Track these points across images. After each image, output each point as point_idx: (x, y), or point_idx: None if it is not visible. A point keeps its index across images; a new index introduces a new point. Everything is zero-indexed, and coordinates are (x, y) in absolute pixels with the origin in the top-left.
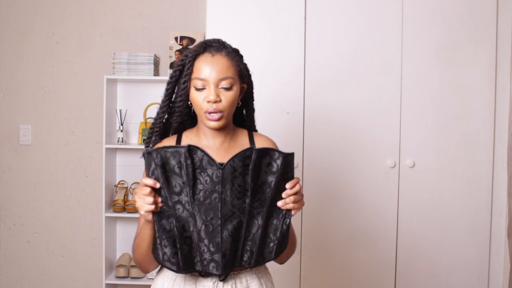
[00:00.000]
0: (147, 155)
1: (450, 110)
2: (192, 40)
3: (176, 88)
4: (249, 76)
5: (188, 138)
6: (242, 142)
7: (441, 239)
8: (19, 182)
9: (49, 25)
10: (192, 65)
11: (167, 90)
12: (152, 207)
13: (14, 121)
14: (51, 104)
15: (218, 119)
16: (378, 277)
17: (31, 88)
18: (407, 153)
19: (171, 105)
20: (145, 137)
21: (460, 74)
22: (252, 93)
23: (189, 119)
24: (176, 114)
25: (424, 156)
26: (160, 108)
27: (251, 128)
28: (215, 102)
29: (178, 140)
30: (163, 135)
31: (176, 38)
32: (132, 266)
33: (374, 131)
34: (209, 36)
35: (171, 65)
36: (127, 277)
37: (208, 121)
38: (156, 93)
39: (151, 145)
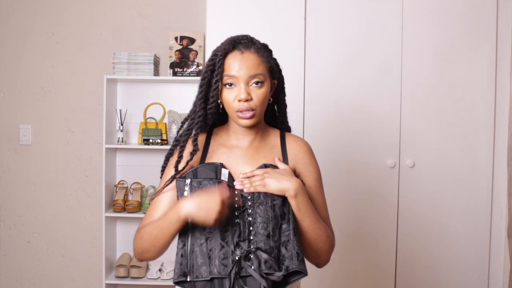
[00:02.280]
0: (180, 180)
1: (450, 110)
2: (192, 40)
3: (209, 88)
4: (280, 71)
5: (218, 136)
6: (273, 142)
7: (441, 239)
8: (19, 182)
9: (49, 25)
10: (222, 64)
11: (200, 92)
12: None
13: (14, 121)
14: (51, 104)
15: (250, 117)
16: (378, 277)
17: (31, 88)
18: (407, 153)
19: (205, 106)
20: (172, 148)
21: (460, 74)
22: (283, 88)
23: (219, 118)
24: (208, 116)
25: (424, 156)
26: (194, 112)
27: (283, 125)
28: (246, 100)
29: (208, 138)
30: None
31: (176, 38)
32: (132, 266)
33: (374, 131)
34: (209, 36)
35: (171, 65)
36: (127, 277)
37: (240, 119)
38: (156, 93)
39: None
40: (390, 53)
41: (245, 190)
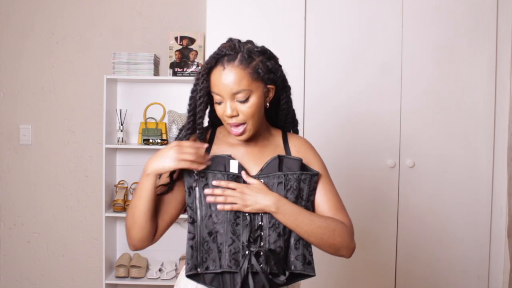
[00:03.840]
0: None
1: (450, 110)
2: (192, 40)
3: (196, 104)
4: (276, 72)
5: (222, 134)
6: (276, 142)
7: (441, 239)
8: (19, 182)
9: (49, 25)
10: (205, 81)
11: (189, 105)
12: (192, 158)
13: (14, 121)
14: (51, 104)
15: (242, 133)
16: (378, 277)
17: (31, 88)
18: (407, 153)
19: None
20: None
21: (460, 74)
22: (285, 87)
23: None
24: (199, 132)
25: (424, 156)
26: (187, 126)
27: (286, 123)
28: (233, 116)
29: (212, 136)
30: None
31: (176, 38)
32: (132, 266)
33: (374, 131)
34: (209, 36)
35: (171, 65)
36: (127, 277)
37: (233, 134)
38: (156, 93)
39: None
40: (390, 53)
41: (218, 207)
